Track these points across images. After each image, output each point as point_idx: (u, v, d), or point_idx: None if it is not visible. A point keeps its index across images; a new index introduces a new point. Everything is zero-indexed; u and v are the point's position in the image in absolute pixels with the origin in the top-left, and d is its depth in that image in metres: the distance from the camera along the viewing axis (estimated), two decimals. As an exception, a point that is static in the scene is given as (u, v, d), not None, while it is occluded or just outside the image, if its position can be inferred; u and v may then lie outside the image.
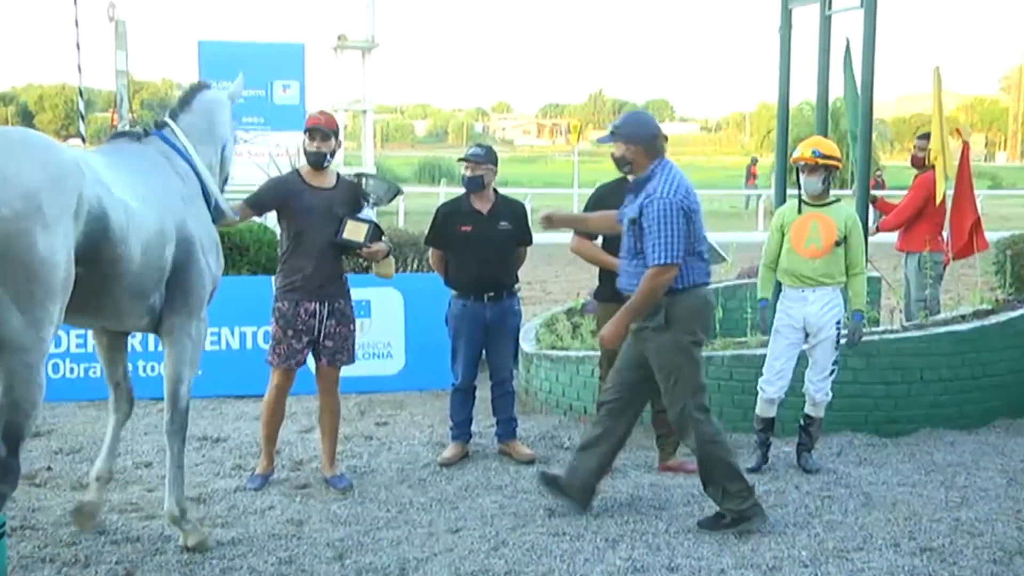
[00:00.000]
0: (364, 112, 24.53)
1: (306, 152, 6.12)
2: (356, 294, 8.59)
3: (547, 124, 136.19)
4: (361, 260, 6.31)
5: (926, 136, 9.37)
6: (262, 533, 5.44)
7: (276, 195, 6.16)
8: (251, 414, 7.81)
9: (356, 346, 6.34)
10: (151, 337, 8.47)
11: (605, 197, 6.43)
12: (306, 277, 6.05)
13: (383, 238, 6.22)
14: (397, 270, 9.74)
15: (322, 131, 6.06)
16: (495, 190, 6.80)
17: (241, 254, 9.28)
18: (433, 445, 7.11)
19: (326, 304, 6.09)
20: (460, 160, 6.76)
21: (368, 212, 6.13)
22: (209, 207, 5.30)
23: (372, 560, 5.07)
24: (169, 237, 4.86)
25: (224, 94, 5.69)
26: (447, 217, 6.77)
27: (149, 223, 4.69)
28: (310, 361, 6.31)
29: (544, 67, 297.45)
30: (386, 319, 8.81)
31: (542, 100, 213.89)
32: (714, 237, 6.67)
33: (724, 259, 6.52)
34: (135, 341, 8.45)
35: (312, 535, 5.42)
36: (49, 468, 6.57)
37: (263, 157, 15.52)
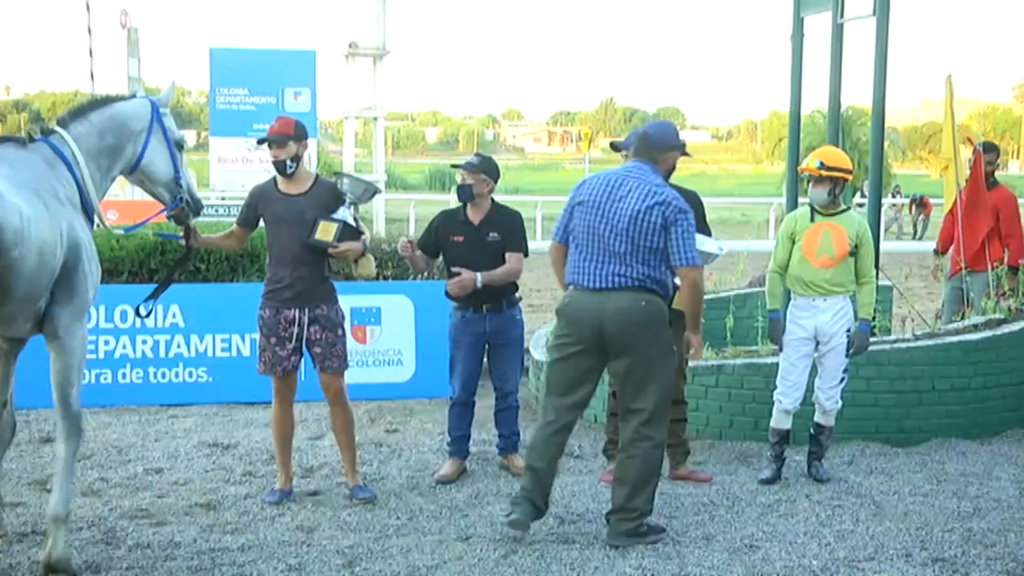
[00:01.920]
0: (375, 119, 24.56)
1: (273, 163, 6.11)
2: (366, 301, 8.73)
3: (558, 131, 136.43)
4: (334, 261, 6.26)
5: (992, 148, 9.08)
6: (272, 540, 5.44)
7: (254, 206, 6.17)
8: (261, 420, 7.82)
9: (347, 352, 6.24)
10: (162, 343, 8.51)
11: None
12: (283, 285, 6.03)
13: (362, 238, 6.12)
14: (408, 277, 9.77)
15: (275, 139, 6.01)
16: (493, 200, 6.74)
17: (252, 261, 9.30)
18: (443, 453, 7.10)
19: (306, 311, 6.04)
20: (453, 167, 6.74)
21: (344, 212, 6.05)
22: (90, 221, 5.29)
23: (382, 567, 5.07)
24: (61, 241, 4.87)
25: (142, 104, 5.54)
26: (441, 225, 6.71)
27: (43, 227, 4.72)
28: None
29: (555, 74, 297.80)
30: (396, 326, 8.80)
31: (553, 107, 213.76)
32: (725, 246, 6.62)
33: (717, 253, 6.42)
34: (146, 348, 8.49)
35: (322, 542, 5.42)
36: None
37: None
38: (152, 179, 5.59)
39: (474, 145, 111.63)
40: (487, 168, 6.61)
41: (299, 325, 6.04)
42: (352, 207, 6.14)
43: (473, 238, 6.55)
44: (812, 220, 6.45)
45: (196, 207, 5.75)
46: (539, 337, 8.97)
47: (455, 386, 6.74)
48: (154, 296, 6.03)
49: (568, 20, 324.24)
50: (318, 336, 6.07)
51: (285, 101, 19.69)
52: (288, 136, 6.02)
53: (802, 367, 6.46)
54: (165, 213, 5.77)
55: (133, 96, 5.58)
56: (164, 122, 5.53)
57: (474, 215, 6.61)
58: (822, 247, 6.37)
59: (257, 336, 6.21)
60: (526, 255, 6.74)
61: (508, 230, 6.63)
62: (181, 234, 6.05)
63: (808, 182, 6.48)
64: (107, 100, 5.49)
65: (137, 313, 6.17)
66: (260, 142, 6.17)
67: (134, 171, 5.55)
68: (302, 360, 6.19)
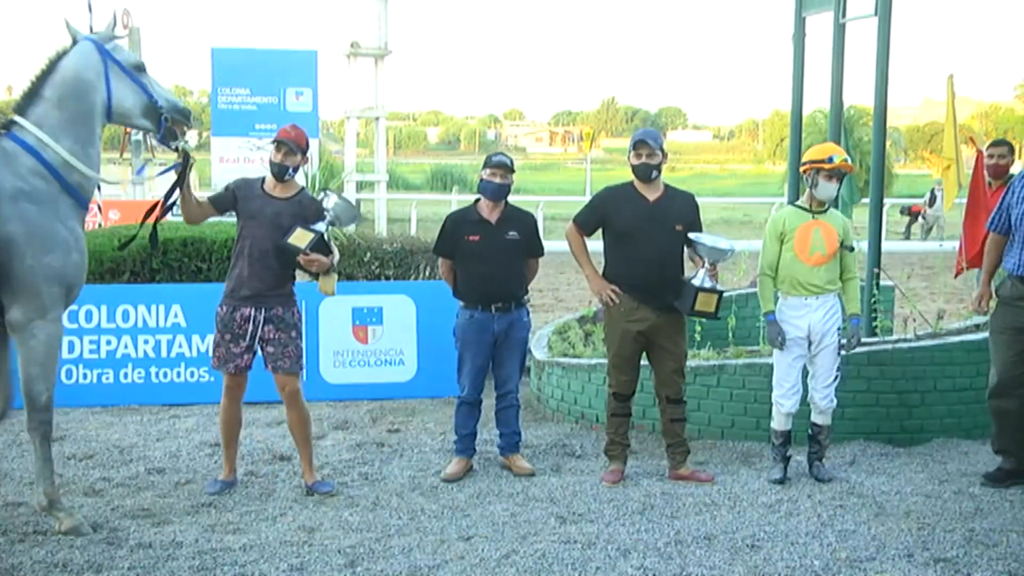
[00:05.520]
0: (376, 119, 24.59)
1: (270, 163, 6.15)
2: (368, 301, 8.75)
3: (559, 131, 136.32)
4: (303, 272, 6.23)
5: (1002, 143, 8.98)
6: (274, 539, 5.44)
7: (234, 195, 6.16)
8: (262, 420, 7.83)
9: (301, 353, 6.27)
10: (163, 343, 8.52)
11: (613, 200, 6.60)
12: (243, 282, 6.07)
13: (331, 256, 6.16)
14: (410, 277, 9.79)
15: (288, 144, 6.09)
16: (505, 199, 6.78)
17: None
18: (445, 452, 7.11)
19: (262, 310, 6.09)
20: (488, 167, 6.61)
21: (321, 226, 6.11)
22: (78, 201, 5.28)
23: (383, 567, 5.07)
24: None
25: (86, 50, 5.39)
26: (455, 226, 6.72)
27: None
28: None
29: (557, 74, 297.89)
30: (398, 326, 8.81)
31: (555, 107, 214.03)
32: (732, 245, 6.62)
33: (729, 250, 6.46)
34: (148, 347, 8.49)
35: (323, 542, 5.42)
36: (59, 475, 6.58)
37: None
38: (129, 115, 5.52)
39: (475, 145, 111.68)
40: (513, 167, 6.70)
41: (254, 323, 6.09)
42: (331, 226, 6.18)
43: (491, 236, 6.57)
44: (804, 219, 6.44)
45: (185, 116, 5.61)
46: (540, 337, 8.98)
47: (464, 385, 6.74)
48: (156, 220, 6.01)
49: (570, 20, 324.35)
50: (272, 335, 6.11)
51: (287, 101, 19.73)
52: (300, 148, 6.14)
53: (798, 368, 6.46)
54: (159, 146, 5.81)
55: (74, 43, 5.42)
56: (116, 56, 5.39)
57: (490, 214, 6.63)
58: (814, 245, 6.37)
59: (214, 332, 6.23)
60: (542, 254, 6.87)
61: (529, 233, 6.75)
62: (179, 161, 5.86)
63: (812, 180, 6.42)
64: (50, 66, 5.36)
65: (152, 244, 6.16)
66: (274, 142, 6.16)
67: (111, 117, 5.49)
68: (255, 359, 6.21)
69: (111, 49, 5.44)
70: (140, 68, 5.50)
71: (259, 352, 6.18)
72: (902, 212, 30.75)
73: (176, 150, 5.81)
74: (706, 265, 6.36)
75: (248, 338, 6.10)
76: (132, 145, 17.16)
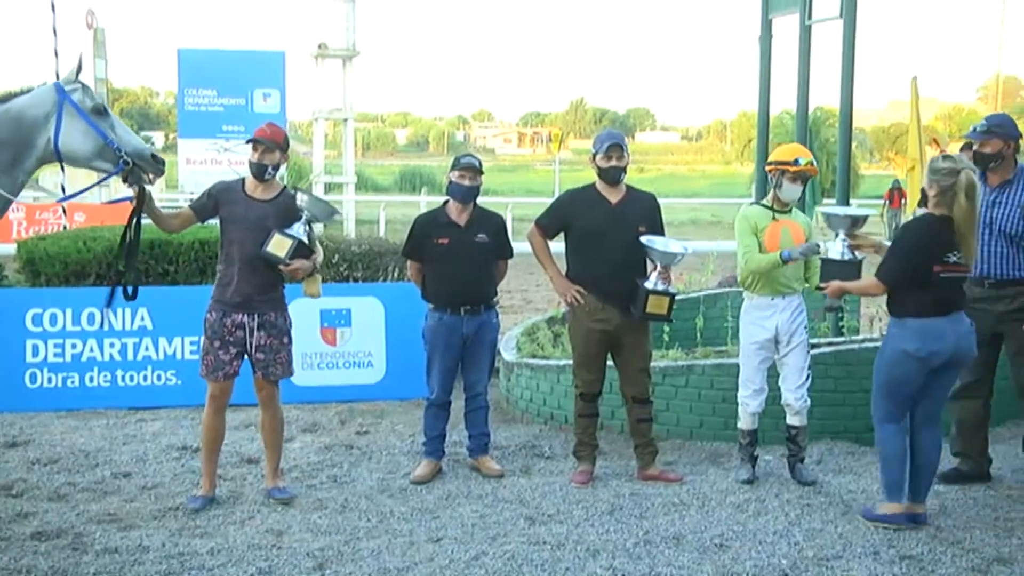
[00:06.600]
0: (344, 120, 24.54)
1: (249, 163, 6.08)
2: (336, 303, 8.71)
3: (528, 133, 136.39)
4: (284, 275, 6.16)
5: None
6: (241, 543, 5.41)
7: (215, 200, 6.08)
8: (230, 423, 7.70)
9: (292, 359, 6.21)
10: (130, 346, 8.45)
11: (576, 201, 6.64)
12: (233, 288, 5.97)
13: (313, 257, 6.06)
14: (379, 279, 9.77)
15: (264, 143, 6.01)
16: (474, 201, 6.77)
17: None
18: (414, 455, 7.09)
19: (255, 316, 6.00)
20: (456, 169, 6.60)
21: (299, 228, 6.00)
22: None
23: (352, 570, 5.06)
24: None
25: (43, 91, 5.40)
26: (424, 228, 6.71)
27: None
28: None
29: (525, 76, 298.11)
30: (366, 328, 8.78)
31: (523, 109, 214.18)
32: (696, 245, 6.67)
33: (682, 253, 6.47)
34: (114, 351, 8.42)
35: (292, 545, 5.40)
36: (23, 480, 6.52)
37: (242, 166, 15.50)
38: (81, 157, 5.46)
39: (444, 147, 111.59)
40: (482, 168, 6.70)
41: (245, 330, 6.01)
42: (308, 224, 6.11)
43: (461, 239, 6.56)
44: (770, 218, 6.48)
45: (149, 163, 5.50)
46: (509, 338, 8.98)
47: (433, 387, 6.72)
48: (124, 284, 5.91)
49: (539, 21, 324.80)
50: (264, 342, 6.03)
51: (254, 102, 19.64)
52: (278, 145, 6.05)
53: (764, 369, 6.50)
54: (112, 179, 5.67)
55: (43, 85, 5.42)
56: (73, 97, 5.36)
57: (459, 216, 6.62)
58: (784, 244, 6.41)
59: (202, 338, 6.14)
60: (511, 256, 6.88)
61: (498, 235, 6.76)
62: (133, 195, 5.76)
63: (777, 180, 6.47)
64: (4, 97, 5.36)
65: (108, 304, 6.00)
66: (250, 141, 6.08)
67: (61, 157, 5.44)
68: (241, 367, 6.12)
69: (70, 91, 5.38)
70: (99, 111, 5.42)
71: (246, 358, 6.09)
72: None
73: (140, 189, 5.70)
74: (658, 268, 6.39)
75: (241, 345, 6.01)
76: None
